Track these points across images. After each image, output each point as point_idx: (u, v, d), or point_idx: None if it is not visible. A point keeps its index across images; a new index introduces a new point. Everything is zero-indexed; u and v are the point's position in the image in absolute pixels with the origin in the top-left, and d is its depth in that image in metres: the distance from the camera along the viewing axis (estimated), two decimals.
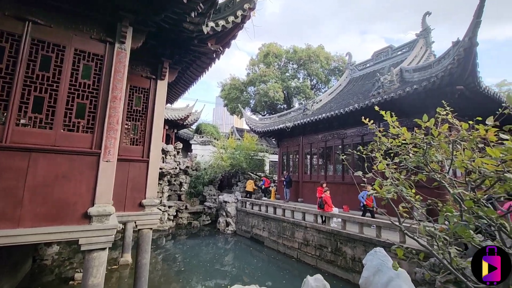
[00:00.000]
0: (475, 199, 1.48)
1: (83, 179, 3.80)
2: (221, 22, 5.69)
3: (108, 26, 4.43)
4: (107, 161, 3.89)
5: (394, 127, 2.14)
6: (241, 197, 14.97)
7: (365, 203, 8.89)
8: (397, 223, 2.12)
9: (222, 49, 6.51)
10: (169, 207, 14.45)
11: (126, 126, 5.91)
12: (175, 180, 15.94)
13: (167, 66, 6.28)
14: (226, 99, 25.71)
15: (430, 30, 15.15)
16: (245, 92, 24.93)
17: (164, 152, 15.16)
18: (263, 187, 15.70)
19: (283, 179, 14.88)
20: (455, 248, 1.90)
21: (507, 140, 1.59)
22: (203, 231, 15.06)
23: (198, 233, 14.63)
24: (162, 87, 6.26)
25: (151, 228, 5.55)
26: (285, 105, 25.11)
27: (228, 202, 14.54)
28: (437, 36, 15.56)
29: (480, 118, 1.98)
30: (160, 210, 13.83)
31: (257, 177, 19.41)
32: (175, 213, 14.86)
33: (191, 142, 19.43)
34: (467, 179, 1.73)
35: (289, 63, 25.35)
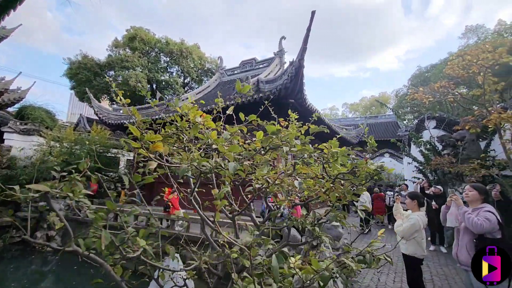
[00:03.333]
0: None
1: None
2: None
3: None
4: None
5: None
6: None
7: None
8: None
9: None
10: None
11: None
12: None
13: None
14: (74, 80, 20.42)
15: (284, 52, 17.83)
16: (101, 76, 20.61)
17: None
18: None
19: None
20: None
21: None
22: (9, 251, 10.96)
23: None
24: None
25: None
26: (154, 99, 22.82)
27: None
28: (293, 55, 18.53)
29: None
30: None
31: (107, 177, 16.36)
32: None
33: (3, 129, 13.91)
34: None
35: (160, 54, 23.28)
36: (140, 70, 20.51)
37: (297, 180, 1.54)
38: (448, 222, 3.22)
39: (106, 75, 20.60)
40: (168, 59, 23.56)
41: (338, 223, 6.59)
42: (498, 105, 7.96)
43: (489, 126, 6.62)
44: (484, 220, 2.62)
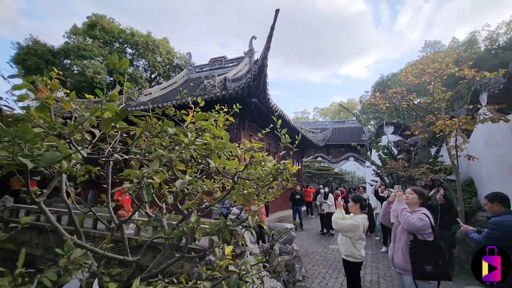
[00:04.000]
0: None
1: None
2: None
3: None
4: None
5: None
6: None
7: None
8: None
9: None
10: None
11: None
12: None
13: None
14: (22, 67, 18.36)
15: (254, 52, 17.65)
16: (54, 64, 18.72)
17: None
18: None
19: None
20: None
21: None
22: None
23: None
24: None
25: None
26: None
27: None
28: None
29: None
30: None
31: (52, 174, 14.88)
32: None
33: None
34: None
35: (125, 45, 21.87)
36: (101, 60, 19.03)
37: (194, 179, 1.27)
38: (392, 218, 3.21)
39: (60, 64, 18.78)
40: (133, 51, 22.24)
41: (292, 225, 6.41)
42: (448, 114, 8.48)
43: (437, 133, 6.97)
44: (417, 220, 2.67)
